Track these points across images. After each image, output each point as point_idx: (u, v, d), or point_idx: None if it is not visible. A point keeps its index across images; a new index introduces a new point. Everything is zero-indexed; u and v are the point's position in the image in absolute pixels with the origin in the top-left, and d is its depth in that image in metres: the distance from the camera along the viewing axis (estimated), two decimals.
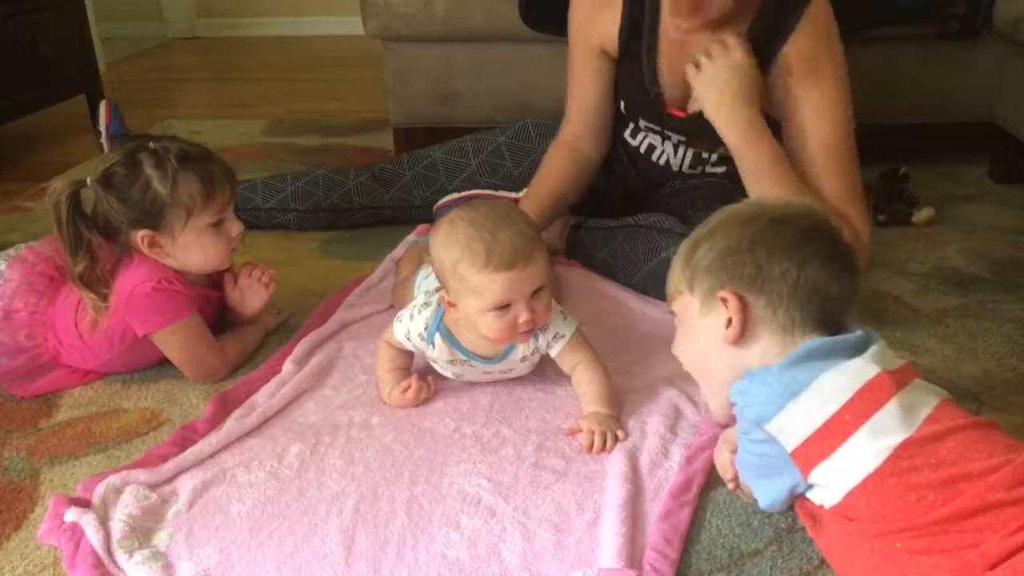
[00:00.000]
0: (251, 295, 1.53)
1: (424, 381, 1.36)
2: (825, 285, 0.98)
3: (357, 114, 3.01)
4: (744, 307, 0.99)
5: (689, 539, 1.08)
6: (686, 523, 1.10)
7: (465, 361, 1.35)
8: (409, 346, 1.36)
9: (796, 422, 0.93)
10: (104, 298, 1.37)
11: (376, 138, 2.71)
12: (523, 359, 1.35)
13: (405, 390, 1.34)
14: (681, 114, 1.58)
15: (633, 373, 1.42)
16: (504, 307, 1.23)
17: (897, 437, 0.89)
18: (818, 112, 1.49)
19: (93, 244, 1.37)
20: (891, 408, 0.91)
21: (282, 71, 3.86)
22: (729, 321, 1.00)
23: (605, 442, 1.24)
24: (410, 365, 1.39)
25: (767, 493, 1.00)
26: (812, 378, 0.93)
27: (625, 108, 1.68)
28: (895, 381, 0.93)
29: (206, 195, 1.37)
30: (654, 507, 1.13)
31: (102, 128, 2.01)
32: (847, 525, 0.92)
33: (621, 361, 1.43)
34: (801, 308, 0.98)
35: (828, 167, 1.49)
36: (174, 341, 1.41)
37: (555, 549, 1.07)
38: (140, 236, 1.37)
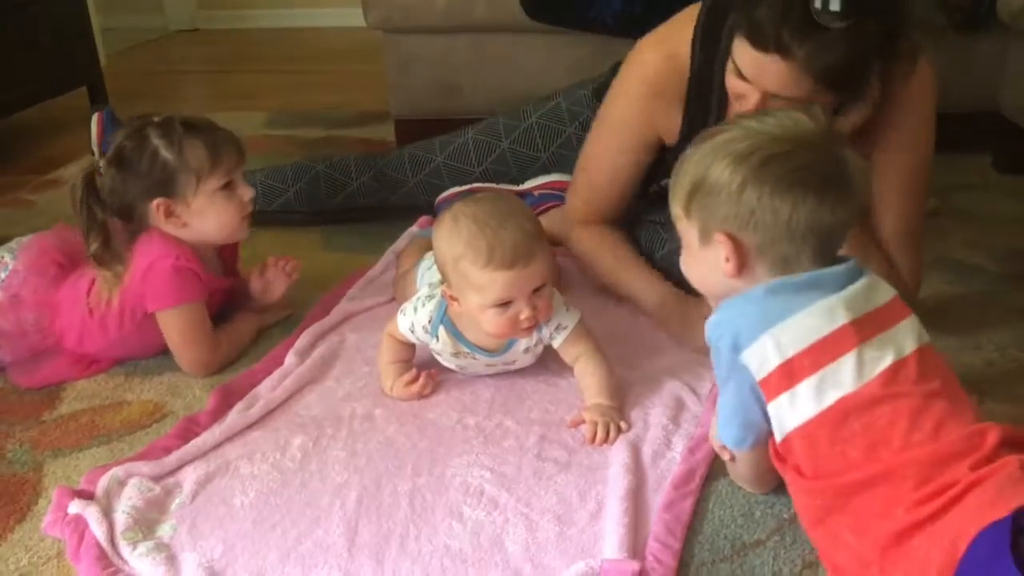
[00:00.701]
0: (275, 283, 1.58)
1: (428, 375, 1.36)
2: (819, 220, 0.97)
3: (358, 106, 3.00)
4: (738, 247, 0.99)
5: (692, 529, 1.09)
6: (688, 514, 1.10)
7: (469, 354, 1.34)
8: (413, 339, 1.36)
9: (767, 353, 0.95)
10: (118, 276, 1.40)
11: (377, 130, 2.70)
12: (526, 350, 1.36)
13: (409, 383, 1.34)
14: None
15: (636, 364, 1.42)
16: (505, 304, 1.23)
17: (838, 392, 0.92)
18: (901, 148, 1.40)
19: (107, 225, 1.42)
20: (845, 362, 0.93)
21: (283, 63, 3.85)
22: (727, 256, 1.00)
23: (608, 433, 1.24)
24: (412, 358, 1.39)
25: (729, 428, 1.02)
26: (788, 312, 0.95)
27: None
28: (859, 333, 0.94)
29: (213, 158, 1.41)
30: (657, 498, 1.13)
31: (94, 146, 1.96)
32: (784, 471, 0.97)
33: (623, 352, 1.43)
34: (795, 245, 0.98)
35: (899, 201, 1.42)
36: (178, 323, 1.42)
37: (558, 540, 1.07)
38: (156, 205, 1.40)
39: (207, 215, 1.43)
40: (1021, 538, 0.79)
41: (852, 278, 0.98)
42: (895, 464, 0.89)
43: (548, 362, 1.39)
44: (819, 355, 0.94)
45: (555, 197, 1.89)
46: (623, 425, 1.26)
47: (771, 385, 0.96)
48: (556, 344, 1.33)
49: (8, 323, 1.42)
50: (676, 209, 1.05)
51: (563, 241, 1.66)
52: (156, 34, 4.44)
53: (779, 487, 1.13)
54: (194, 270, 1.42)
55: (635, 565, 0.98)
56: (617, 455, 1.20)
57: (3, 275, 1.46)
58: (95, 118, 1.99)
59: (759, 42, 1.20)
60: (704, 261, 1.03)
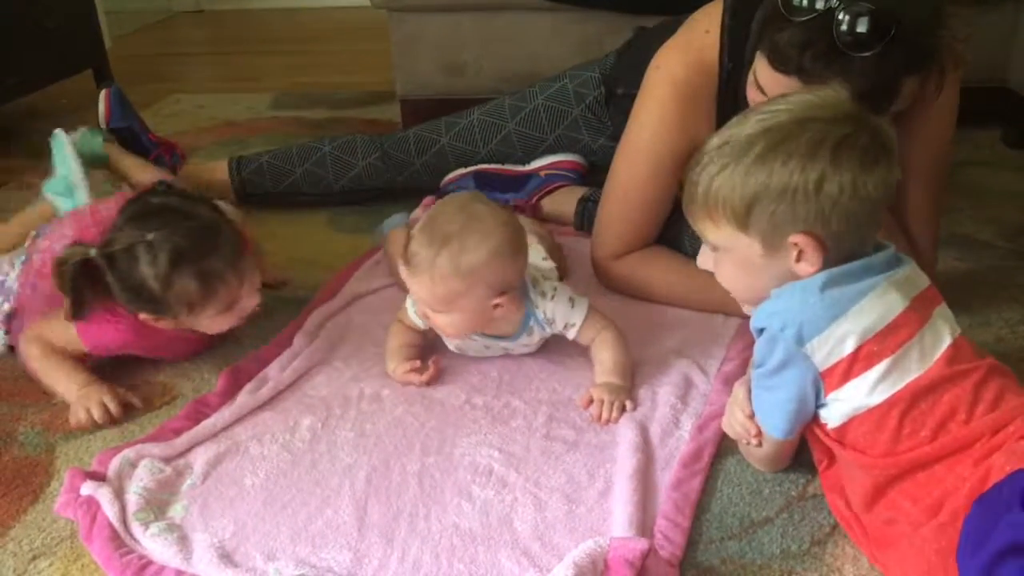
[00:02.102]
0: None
1: (433, 362, 1.36)
2: (885, 192, 0.96)
3: (364, 86, 2.99)
4: (819, 243, 0.96)
5: (700, 508, 1.09)
6: (697, 492, 1.10)
7: (467, 336, 1.35)
8: (421, 324, 1.36)
9: (835, 343, 0.95)
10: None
11: (383, 110, 2.70)
12: (526, 345, 1.37)
13: (410, 370, 1.33)
14: None
15: (644, 344, 1.42)
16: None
17: (907, 377, 0.94)
18: (927, 134, 1.37)
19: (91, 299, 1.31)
20: (911, 347, 0.94)
21: (288, 44, 3.84)
22: (800, 255, 0.97)
23: (612, 412, 1.24)
24: (419, 344, 1.39)
25: (782, 420, 1.01)
26: (852, 301, 0.95)
27: None
28: (920, 317, 0.96)
29: (205, 295, 1.28)
30: (665, 476, 1.13)
31: (102, 122, 1.97)
32: (843, 452, 0.98)
33: (632, 332, 1.43)
34: (873, 224, 0.98)
35: (925, 183, 1.40)
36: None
37: (566, 519, 1.07)
38: (141, 316, 1.32)
39: (199, 325, 1.35)
40: None
41: (897, 262, 0.99)
42: (962, 436, 0.91)
43: (555, 342, 1.39)
44: (886, 342, 0.94)
45: (561, 177, 1.88)
46: (628, 404, 1.26)
47: (837, 375, 0.95)
48: (571, 337, 1.34)
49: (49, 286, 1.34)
50: (726, 229, 1.00)
51: (596, 274, 1.59)
52: (161, 16, 4.43)
53: (788, 466, 1.13)
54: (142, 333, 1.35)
55: (643, 543, 0.99)
56: (625, 434, 1.20)
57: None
58: (103, 94, 1.99)
59: (780, 65, 1.18)
60: (768, 270, 1.00)
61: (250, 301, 1.35)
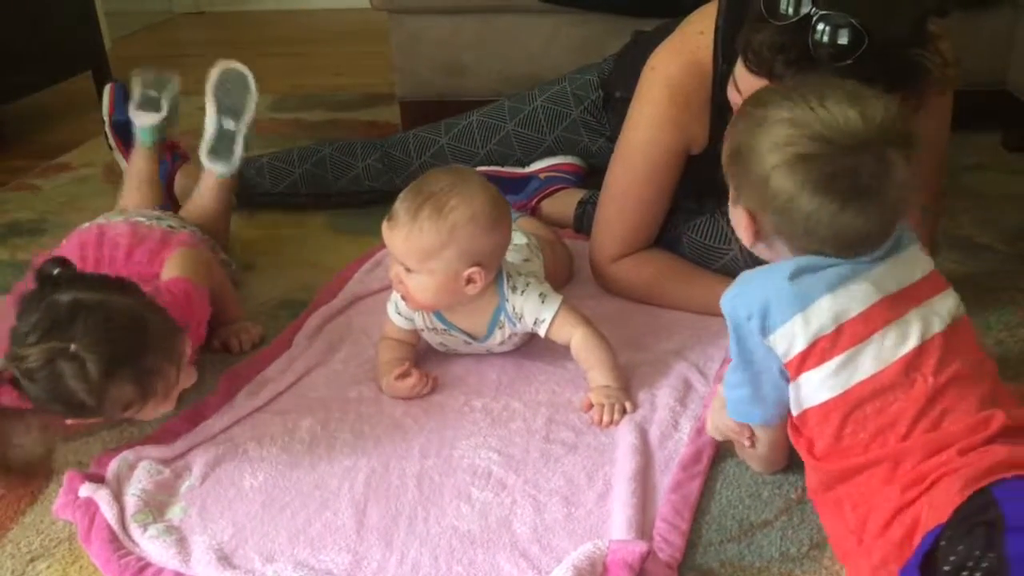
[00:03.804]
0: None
1: (424, 374, 1.34)
2: (841, 226, 0.94)
3: (364, 88, 2.99)
4: (757, 224, 0.99)
5: (699, 510, 1.09)
6: (696, 494, 1.10)
7: (445, 330, 1.35)
8: (400, 321, 1.36)
9: (796, 334, 0.95)
10: None
11: (383, 112, 2.70)
12: (501, 343, 1.37)
13: (400, 376, 1.32)
14: None
15: (643, 346, 1.42)
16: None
17: (858, 376, 0.93)
18: (927, 130, 1.36)
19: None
20: (867, 346, 0.93)
21: (288, 45, 3.83)
22: (747, 224, 1.00)
23: (613, 416, 1.24)
24: (410, 357, 1.38)
25: (762, 409, 1.02)
26: (819, 293, 0.95)
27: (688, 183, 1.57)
28: (889, 312, 0.94)
29: (143, 394, 1.16)
30: (664, 479, 1.13)
31: (105, 116, 1.98)
32: (801, 446, 0.99)
33: (631, 334, 1.43)
34: (815, 242, 0.96)
35: (926, 179, 1.34)
36: None
37: (565, 521, 1.07)
38: (68, 421, 1.19)
39: (135, 417, 1.23)
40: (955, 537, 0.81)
41: (888, 253, 0.98)
42: (896, 451, 0.90)
43: (554, 344, 1.39)
44: (844, 337, 0.94)
45: (561, 180, 1.88)
46: (628, 406, 1.26)
47: (794, 366, 0.96)
48: (542, 334, 1.33)
49: None
50: (724, 158, 1.04)
51: (595, 277, 1.59)
52: (161, 17, 4.43)
53: (787, 468, 1.13)
54: None
55: (643, 545, 0.98)
56: (625, 436, 1.20)
57: None
58: (107, 89, 2.01)
59: (754, 66, 1.18)
60: (735, 216, 1.03)
61: (187, 381, 1.24)
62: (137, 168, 1.83)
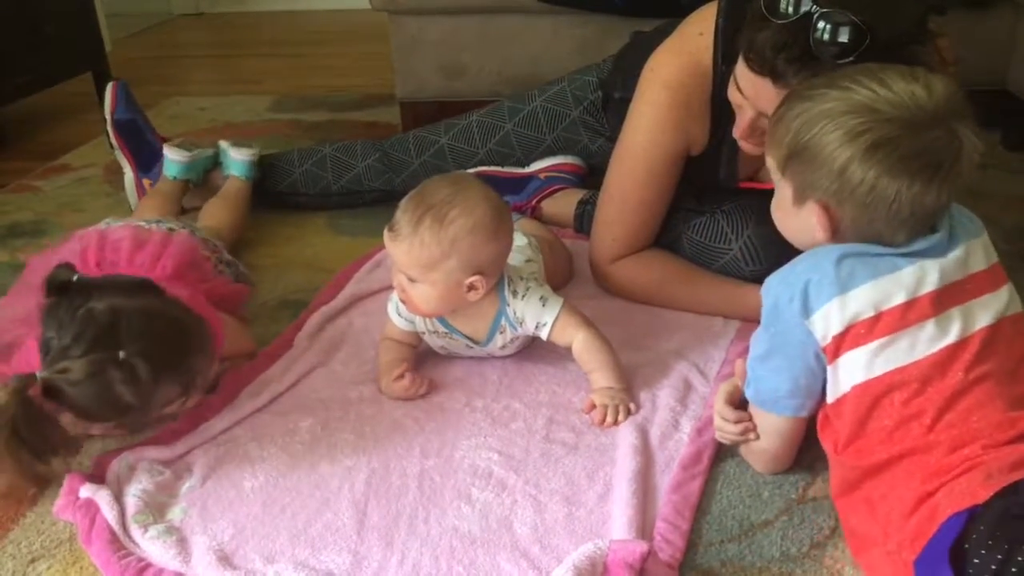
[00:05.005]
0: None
1: (419, 375, 1.34)
2: (922, 204, 0.95)
3: (364, 89, 2.99)
4: (832, 217, 0.98)
5: (700, 510, 1.09)
6: (697, 494, 1.10)
7: (447, 334, 1.35)
8: (401, 323, 1.36)
9: (832, 316, 0.95)
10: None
11: (383, 113, 2.70)
12: (503, 347, 1.37)
13: (397, 377, 1.32)
14: (749, 185, 1.54)
15: (644, 346, 1.42)
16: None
17: (890, 365, 0.93)
18: None
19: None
20: (903, 335, 0.93)
21: (288, 47, 3.84)
22: (818, 220, 0.99)
23: (616, 417, 1.24)
24: (410, 358, 1.38)
25: (791, 397, 1.02)
26: (861, 281, 0.95)
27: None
28: (932, 306, 0.94)
29: (185, 392, 1.21)
30: (665, 479, 1.13)
31: (107, 114, 1.99)
32: (827, 441, 0.99)
33: (632, 335, 1.43)
34: (892, 226, 0.97)
35: None
36: None
37: (566, 521, 1.07)
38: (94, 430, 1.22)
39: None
40: (974, 527, 0.81)
41: (945, 248, 0.98)
42: (920, 444, 0.90)
43: (555, 346, 1.39)
44: (882, 324, 0.94)
45: (561, 180, 1.88)
46: (632, 407, 1.26)
47: (831, 349, 0.96)
48: (544, 338, 1.33)
49: None
50: (771, 162, 1.04)
51: (595, 277, 1.60)
52: (161, 19, 4.43)
53: (788, 468, 1.13)
54: None
55: (643, 545, 0.98)
56: (625, 437, 1.20)
57: None
58: (110, 86, 2.01)
59: (755, 65, 1.18)
60: (797, 218, 1.03)
61: (193, 399, 1.25)
62: (157, 189, 1.92)
